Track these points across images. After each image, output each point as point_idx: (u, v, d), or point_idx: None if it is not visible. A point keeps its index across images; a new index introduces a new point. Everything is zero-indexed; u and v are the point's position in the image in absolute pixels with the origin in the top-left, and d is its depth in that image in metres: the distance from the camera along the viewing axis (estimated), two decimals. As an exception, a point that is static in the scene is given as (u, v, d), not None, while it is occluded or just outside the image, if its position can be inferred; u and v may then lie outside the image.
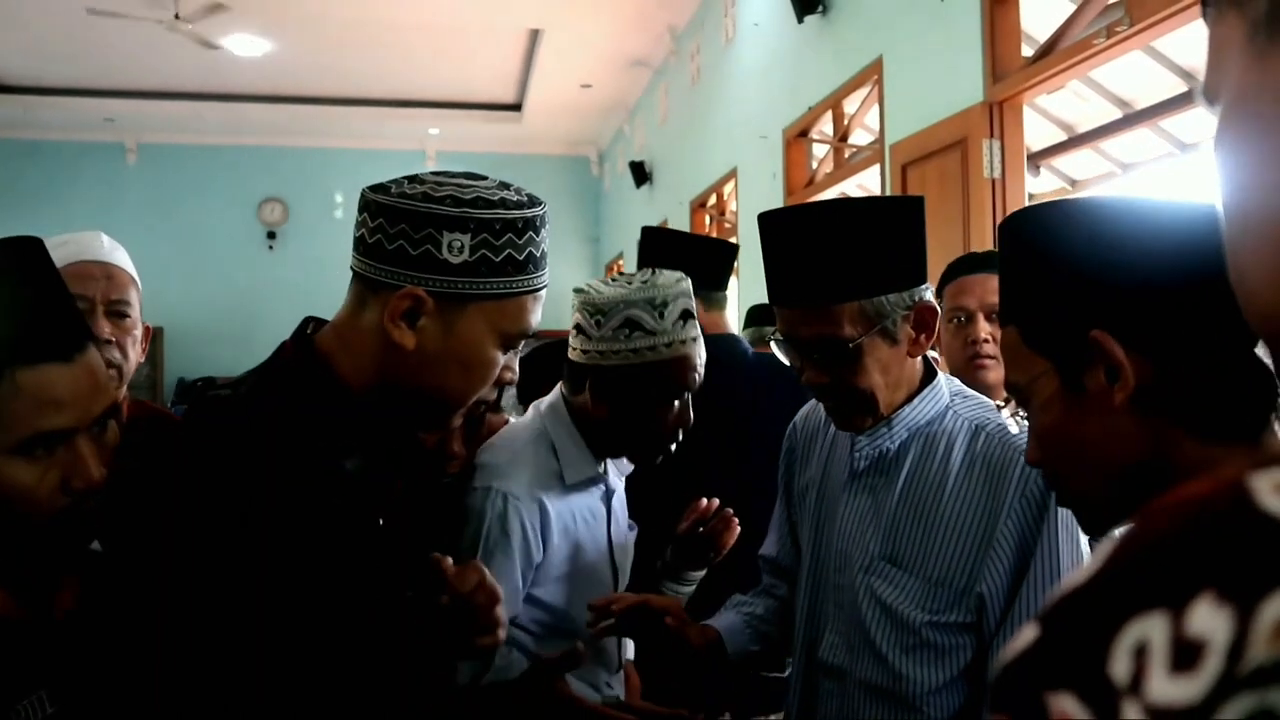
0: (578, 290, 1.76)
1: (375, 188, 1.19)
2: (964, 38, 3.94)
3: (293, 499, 1.06)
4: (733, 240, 3.81)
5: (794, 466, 1.76)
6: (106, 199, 11.94)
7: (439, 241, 1.14)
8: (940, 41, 4.15)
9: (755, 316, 4.50)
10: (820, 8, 5.40)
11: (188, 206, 12.27)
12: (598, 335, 1.70)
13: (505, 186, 1.21)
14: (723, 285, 2.80)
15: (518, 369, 1.28)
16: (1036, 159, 5.52)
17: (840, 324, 1.42)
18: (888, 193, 4.50)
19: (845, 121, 5.68)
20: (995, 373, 2.10)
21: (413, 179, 1.20)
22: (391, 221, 1.14)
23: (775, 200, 6.10)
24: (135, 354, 1.73)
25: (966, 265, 2.23)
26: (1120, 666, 0.32)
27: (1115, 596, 0.34)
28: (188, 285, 11.65)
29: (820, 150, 6.21)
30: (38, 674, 1.08)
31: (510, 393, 2.18)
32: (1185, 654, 0.31)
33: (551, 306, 1.62)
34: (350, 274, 1.21)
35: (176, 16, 8.00)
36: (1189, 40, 4.20)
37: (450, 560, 1.16)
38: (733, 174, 7.35)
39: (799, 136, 6.11)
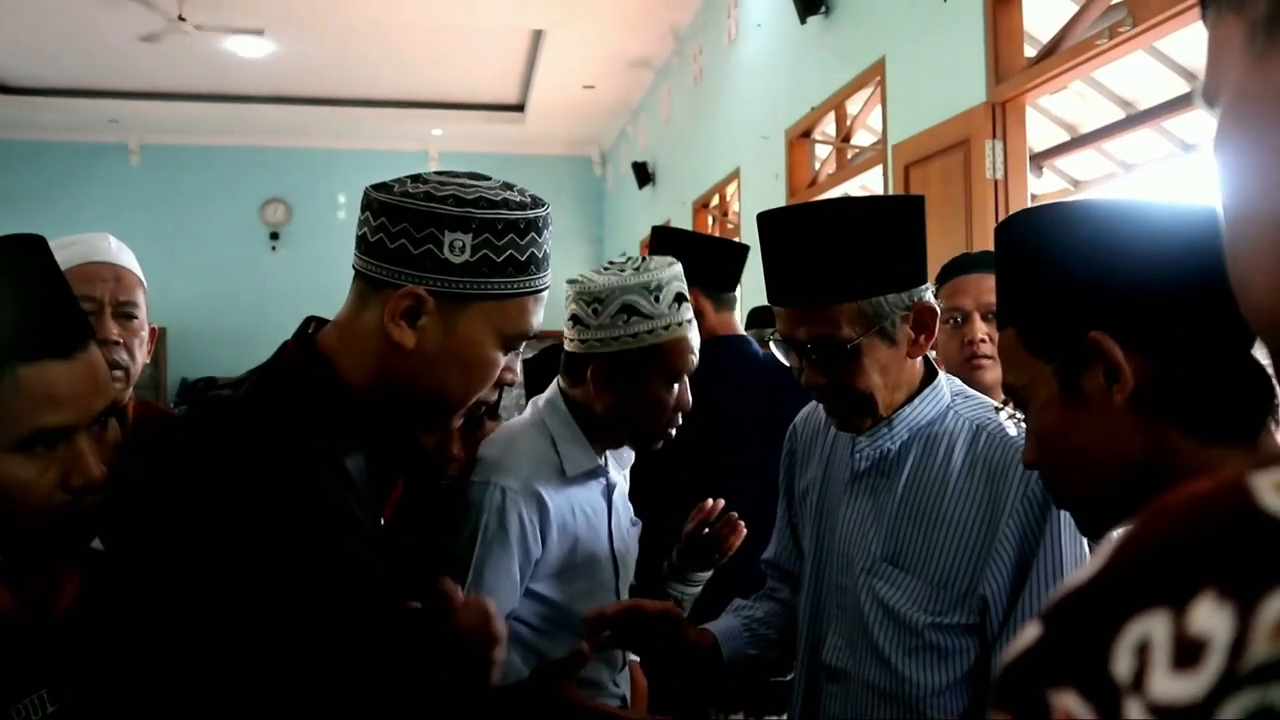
0: (571, 281, 1.77)
1: (378, 186, 1.19)
2: (966, 38, 3.94)
3: (293, 499, 1.06)
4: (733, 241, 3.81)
5: (795, 468, 1.76)
6: (109, 200, 11.95)
7: (441, 241, 1.13)
8: (943, 42, 4.15)
9: (755, 318, 4.50)
10: (823, 8, 5.40)
11: (191, 207, 12.29)
12: (595, 323, 1.72)
13: (509, 187, 1.21)
14: (733, 286, 2.81)
15: (519, 370, 1.28)
16: (1039, 159, 5.52)
17: (838, 324, 1.42)
18: (890, 193, 4.50)
19: (848, 122, 5.69)
20: (992, 373, 2.10)
21: (416, 178, 1.20)
22: (394, 220, 1.14)
23: (778, 201, 6.09)
24: (142, 355, 1.73)
25: (962, 265, 2.23)
26: (1122, 664, 0.32)
27: (1117, 595, 0.34)
28: (191, 286, 11.65)
29: (823, 151, 6.21)
30: (38, 673, 1.09)
31: (511, 394, 2.19)
32: (1187, 652, 0.31)
33: (554, 307, 1.62)
34: (353, 274, 1.21)
35: (180, 18, 8.01)
36: (1191, 41, 4.20)
37: (460, 591, 1.15)
38: (735, 174, 7.35)
39: (801, 137, 6.12)
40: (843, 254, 1.42)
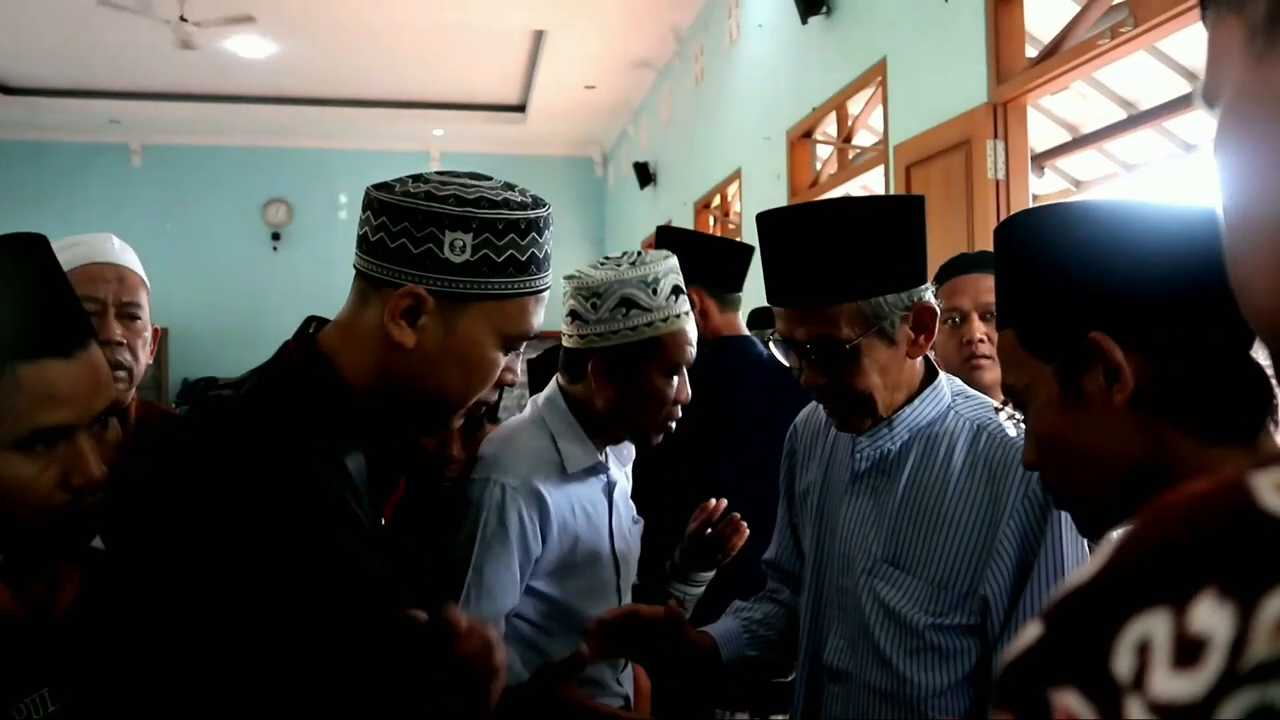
0: (569, 277, 1.77)
1: (379, 186, 1.19)
2: (968, 39, 3.94)
3: (292, 498, 1.06)
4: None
5: (795, 469, 1.76)
6: (111, 200, 11.96)
7: (441, 240, 1.13)
8: (944, 42, 4.15)
9: (756, 320, 4.51)
10: (824, 9, 5.40)
11: (192, 208, 12.29)
12: (595, 318, 1.72)
13: (510, 187, 1.21)
14: (739, 287, 2.82)
15: (519, 370, 1.28)
16: (1041, 160, 5.52)
17: (837, 325, 1.42)
18: (892, 194, 4.50)
19: (849, 122, 5.69)
20: (991, 373, 2.10)
21: (417, 178, 1.20)
22: (394, 220, 1.14)
23: (779, 201, 6.09)
24: (145, 356, 1.73)
25: (960, 266, 2.23)
26: (1123, 663, 0.33)
27: (1118, 594, 0.35)
28: (192, 286, 11.66)
29: (824, 151, 6.21)
30: (39, 672, 1.09)
31: (513, 394, 2.19)
32: (1187, 650, 0.31)
33: (556, 308, 1.62)
34: (354, 274, 1.21)
35: (182, 19, 8.02)
36: (1193, 41, 4.20)
37: (463, 618, 1.14)
38: (737, 175, 7.35)
39: (803, 137, 6.11)
40: (842, 254, 1.41)
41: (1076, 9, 3.75)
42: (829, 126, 5.97)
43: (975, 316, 2.15)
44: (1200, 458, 0.88)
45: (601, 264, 1.78)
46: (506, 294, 1.17)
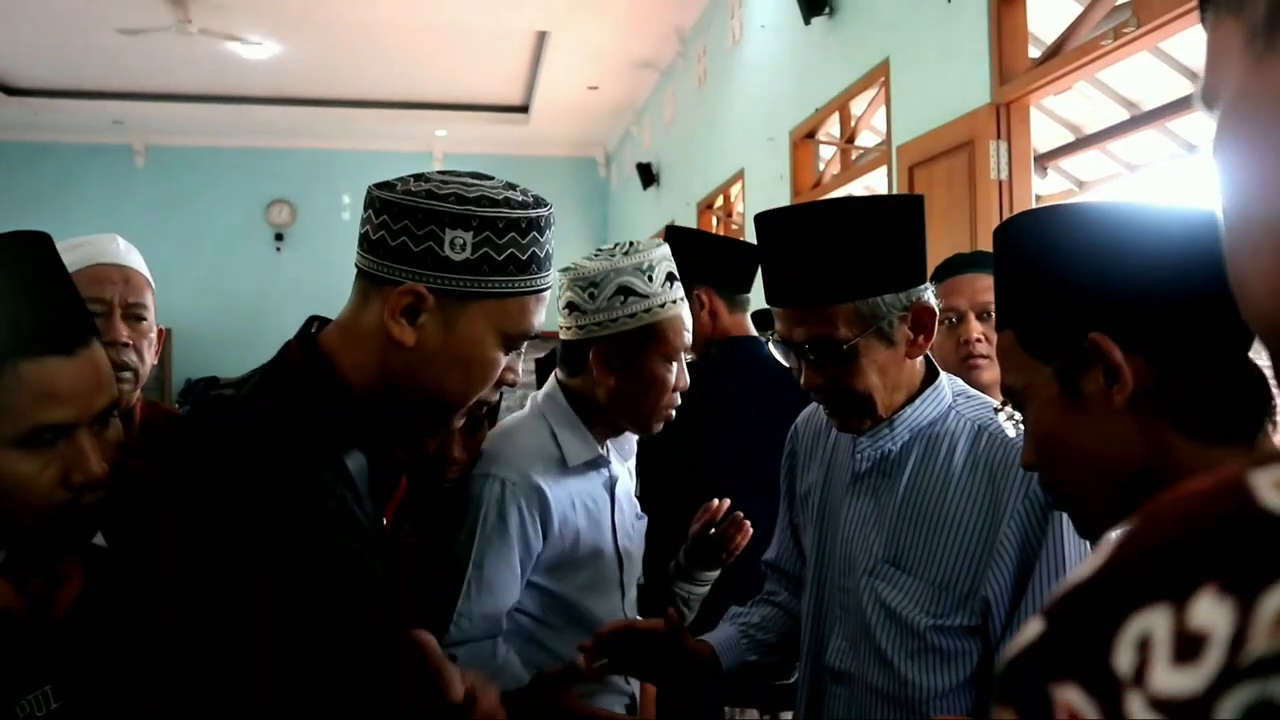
0: (564, 270, 1.78)
1: (380, 185, 1.19)
2: (971, 39, 3.94)
3: (291, 499, 1.06)
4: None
5: (796, 469, 1.76)
6: (114, 201, 11.98)
7: (441, 238, 1.13)
8: (947, 43, 4.15)
9: (757, 322, 4.51)
10: (827, 9, 5.40)
11: (195, 208, 12.31)
12: (593, 307, 1.73)
13: (511, 187, 1.21)
14: (747, 288, 2.82)
15: (520, 370, 1.28)
16: (1044, 160, 5.52)
17: (835, 325, 1.41)
18: (889, 194, 4.50)
19: (852, 123, 5.69)
20: (989, 372, 2.10)
21: (418, 177, 1.20)
22: (395, 218, 1.14)
23: (782, 202, 6.09)
24: (150, 356, 1.74)
25: (956, 266, 2.23)
26: (1124, 659, 0.33)
27: (1119, 591, 0.35)
28: (195, 286, 11.67)
29: (827, 152, 6.21)
30: (41, 669, 1.09)
31: (515, 395, 2.19)
32: (1188, 646, 0.32)
33: (555, 308, 1.63)
34: (356, 273, 1.21)
35: (186, 19, 8.03)
36: (1196, 41, 4.18)
37: (456, 676, 1.14)
38: (740, 175, 7.35)
39: (806, 138, 6.11)
40: (839, 254, 1.41)
41: (1079, 9, 3.75)
42: (832, 127, 5.97)
43: (972, 316, 2.16)
44: (1199, 459, 0.88)
45: (595, 255, 1.79)
46: (507, 292, 1.17)
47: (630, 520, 1.91)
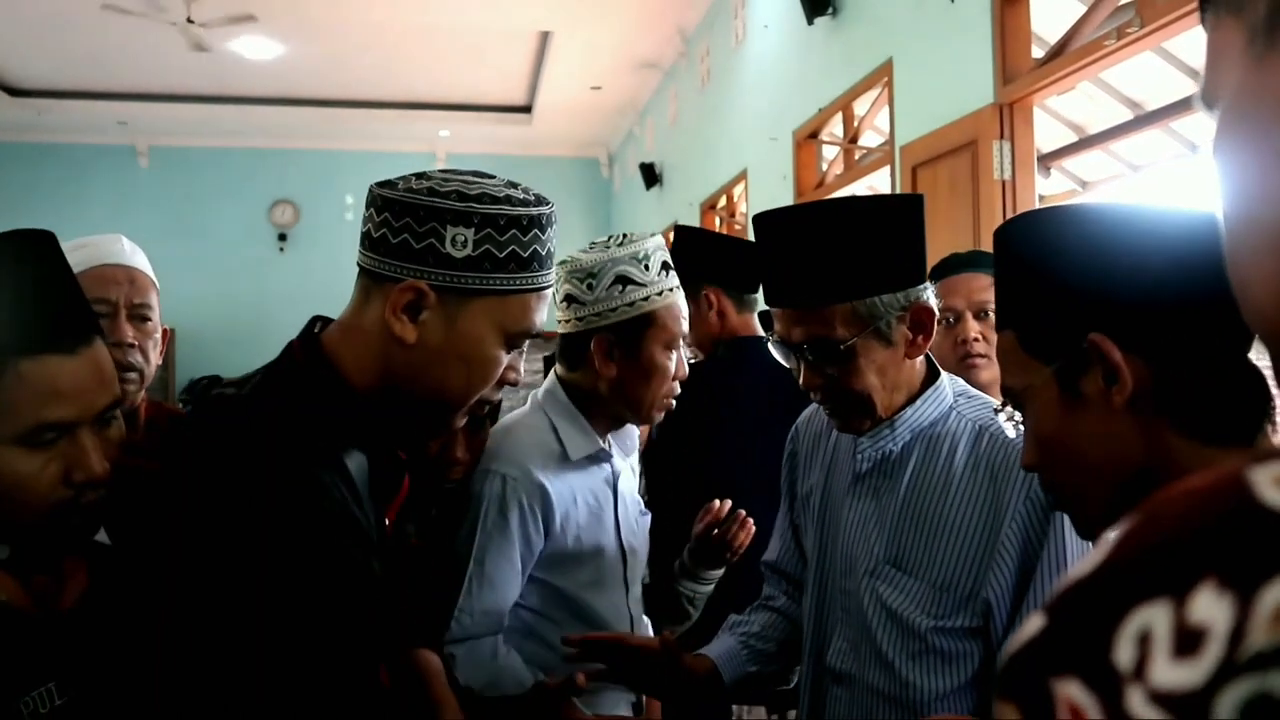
0: (561, 263, 1.78)
1: (382, 184, 1.19)
2: (974, 39, 3.94)
3: (288, 500, 1.06)
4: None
5: (797, 470, 1.75)
6: (118, 202, 12.00)
7: (443, 235, 1.13)
8: (950, 43, 4.15)
9: (762, 322, 4.51)
10: (830, 9, 5.40)
11: (199, 209, 12.32)
12: (592, 297, 1.74)
13: (512, 185, 1.21)
14: (755, 288, 2.82)
15: (521, 370, 1.28)
16: (1047, 160, 5.52)
17: (832, 325, 1.41)
18: (886, 194, 4.49)
19: (855, 123, 5.69)
20: (988, 371, 2.10)
21: (420, 175, 1.20)
22: (397, 215, 1.14)
23: (785, 202, 6.08)
24: (155, 357, 1.74)
25: (952, 265, 2.23)
26: (1124, 653, 0.33)
27: (1119, 586, 0.35)
28: (199, 287, 11.68)
29: (830, 152, 6.21)
30: (46, 666, 1.09)
31: (518, 396, 2.19)
32: (1187, 640, 0.32)
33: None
34: (358, 272, 1.21)
35: (189, 20, 8.04)
36: (1200, 41, 4.18)
37: (455, 712, 1.14)
38: (743, 175, 7.35)
39: (809, 138, 6.11)
40: (836, 254, 1.41)
41: (1083, 9, 3.75)
42: (835, 127, 5.97)
43: (970, 316, 2.16)
44: (1198, 460, 0.88)
45: (590, 248, 1.80)
46: (508, 290, 1.17)
47: (634, 516, 1.91)
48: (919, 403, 1.49)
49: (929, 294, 1.46)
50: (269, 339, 1.67)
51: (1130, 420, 0.92)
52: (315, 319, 1.26)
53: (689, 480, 2.39)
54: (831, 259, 1.41)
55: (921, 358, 1.51)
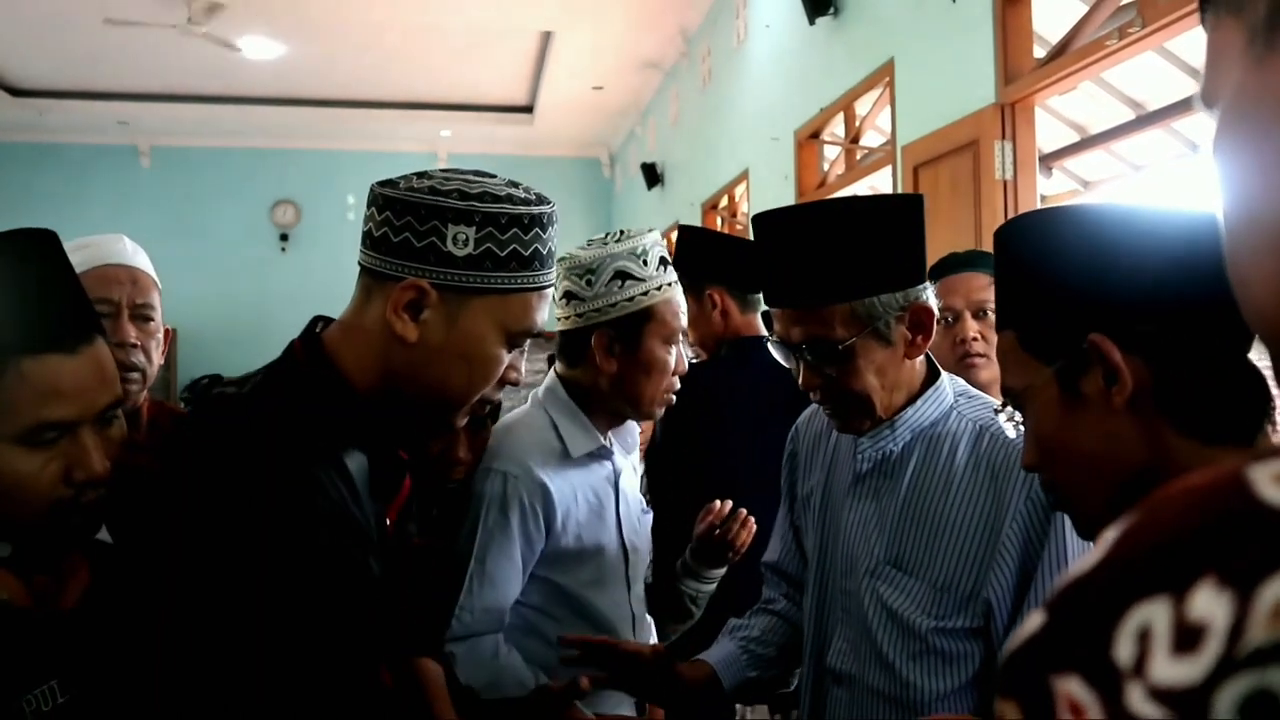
0: (559, 260, 1.78)
1: (383, 183, 1.19)
2: (975, 39, 3.93)
3: (286, 500, 1.06)
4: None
5: (797, 471, 1.75)
6: (120, 202, 12.00)
7: (444, 234, 1.14)
8: (952, 43, 4.15)
9: (765, 322, 4.51)
10: (831, 9, 5.39)
11: (201, 209, 12.33)
12: (591, 293, 1.75)
13: (514, 184, 1.22)
14: (759, 288, 2.81)
15: (523, 370, 1.28)
16: (1048, 160, 5.52)
17: (831, 325, 1.41)
18: (885, 194, 4.49)
19: (857, 123, 5.69)
20: (986, 371, 2.10)
21: (421, 174, 1.20)
22: (398, 214, 1.15)
23: (787, 202, 6.08)
24: (157, 357, 1.75)
25: (950, 265, 2.23)
26: (1124, 650, 0.33)
27: (1119, 583, 0.35)
28: (201, 287, 11.68)
29: (832, 152, 6.21)
30: (48, 664, 1.09)
31: (519, 395, 2.19)
32: (1187, 637, 0.32)
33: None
34: (359, 271, 1.21)
35: (190, 20, 8.04)
36: (1202, 41, 4.18)
37: None
38: (744, 175, 7.35)
39: (811, 138, 6.11)
40: (835, 254, 1.41)
41: (1084, 9, 3.74)
42: (837, 127, 5.96)
43: (968, 315, 2.16)
44: (1199, 460, 0.88)
45: (588, 245, 1.81)
46: (509, 289, 1.17)
47: (636, 514, 1.92)
48: (919, 403, 1.48)
49: (928, 294, 1.46)
50: (271, 339, 1.67)
51: (1130, 420, 0.92)
52: (317, 319, 1.26)
53: (692, 480, 2.39)
54: (830, 259, 1.41)
55: (922, 357, 1.50)
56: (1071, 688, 0.34)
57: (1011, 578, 1.35)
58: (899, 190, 4.60)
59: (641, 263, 1.76)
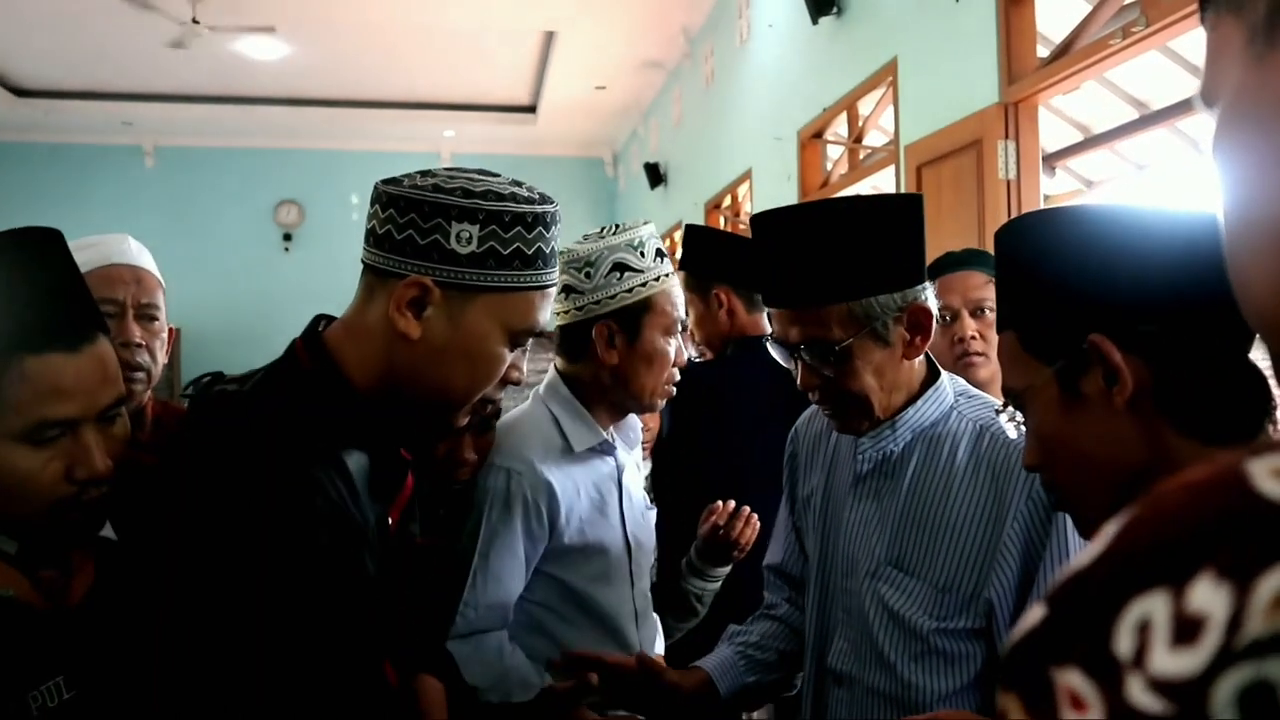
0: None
1: (387, 180, 1.19)
2: (979, 38, 3.93)
3: (284, 500, 1.06)
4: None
5: (797, 472, 1.74)
6: (124, 201, 12.02)
7: (447, 231, 1.14)
8: (955, 42, 4.15)
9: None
10: (835, 9, 5.39)
11: (204, 209, 12.35)
12: (590, 286, 1.76)
13: (517, 183, 1.22)
14: None
15: (524, 369, 1.28)
16: (1052, 160, 5.51)
17: (829, 326, 1.40)
18: (884, 193, 4.49)
19: (860, 123, 5.68)
20: (985, 370, 2.10)
21: (425, 173, 1.20)
22: (401, 211, 1.15)
23: (789, 201, 6.07)
24: (161, 356, 1.75)
25: (947, 264, 2.23)
26: (1124, 642, 0.33)
27: (1119, 576, 0.35)
28: (204, 287, 11.70)
29: (835, 152, 6.21)
30: (54, 660, 1.10)
31: (521, 395, 2.20)
32: (1186, 629, 0.32)
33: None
34: (362, 269, 1.21)
35: (194, 21, 8.05)
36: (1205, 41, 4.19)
37: None
38: (747, 175, 7.35)
39: (814, 138, 6.11)
40: (832, 254, 1.40)
41: (1088, 8, 3.74)
42: (840, 127, 5.96)
43: (966, 314, 2.15)
44: (1199, 459, 0.88)
45: (585, 239, 1.81)
46: (512, 287, 1.17)
47: (639, 510, 1.92)
48: (919, 403, 1.48)
49: (927, 294, 1.46)
50: (274, 338, 1.67)
51: (1131, 420, 0.93)
52: (319, 317, 1.26)
53: (698, 478, 2.39)
54: (827, 259, 1.40)
55: (922, 357, 1.50)
56: (1072, 680, 0.35)
57: (1013, 578, 1.35)
58: (902, 190, 4.60)
59: (639, 254, 1.77)
